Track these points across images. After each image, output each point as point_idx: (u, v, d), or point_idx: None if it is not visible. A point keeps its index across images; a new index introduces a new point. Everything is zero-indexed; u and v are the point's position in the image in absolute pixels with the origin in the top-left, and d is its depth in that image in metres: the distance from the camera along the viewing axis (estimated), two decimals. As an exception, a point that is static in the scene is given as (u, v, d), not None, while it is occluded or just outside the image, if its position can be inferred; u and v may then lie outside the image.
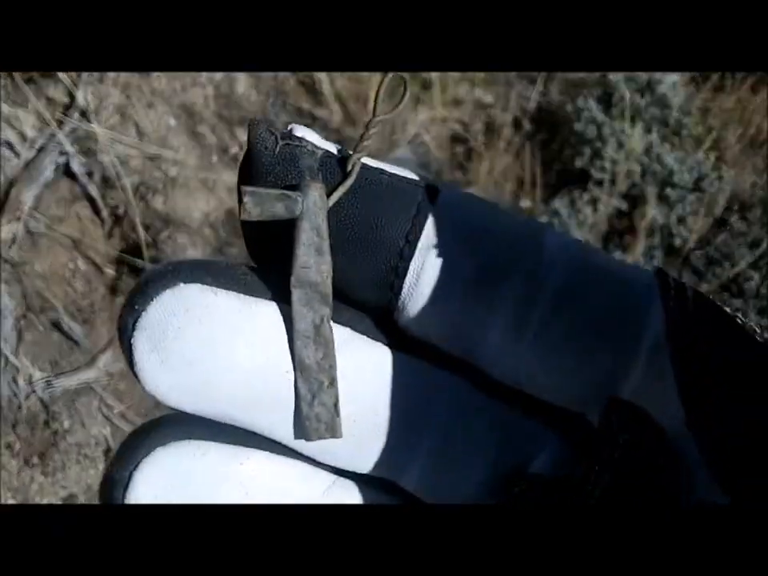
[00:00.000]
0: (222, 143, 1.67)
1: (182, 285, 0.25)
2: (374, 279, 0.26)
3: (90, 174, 1.57)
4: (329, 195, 0.26)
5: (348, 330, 0.27)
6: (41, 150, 1.56)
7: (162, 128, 1.63)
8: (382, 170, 0.26)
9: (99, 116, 1.58)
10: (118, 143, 1.57)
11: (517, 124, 1.61)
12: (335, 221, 0.26)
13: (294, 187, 0.25)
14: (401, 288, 0.26)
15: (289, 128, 0.26)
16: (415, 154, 1.62)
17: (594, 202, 1.41)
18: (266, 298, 0.26)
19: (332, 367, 0.26)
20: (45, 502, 1.32)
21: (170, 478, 0.26)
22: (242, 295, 0.25)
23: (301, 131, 0.26)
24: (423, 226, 0.26)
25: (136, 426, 0.27)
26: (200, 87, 1.68)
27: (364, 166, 0.26)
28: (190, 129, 1.65)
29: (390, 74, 0.27)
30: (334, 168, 0.26)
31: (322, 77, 1.63)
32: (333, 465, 0.27)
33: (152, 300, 0.25)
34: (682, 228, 1.48)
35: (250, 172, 0.26)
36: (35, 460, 1.35)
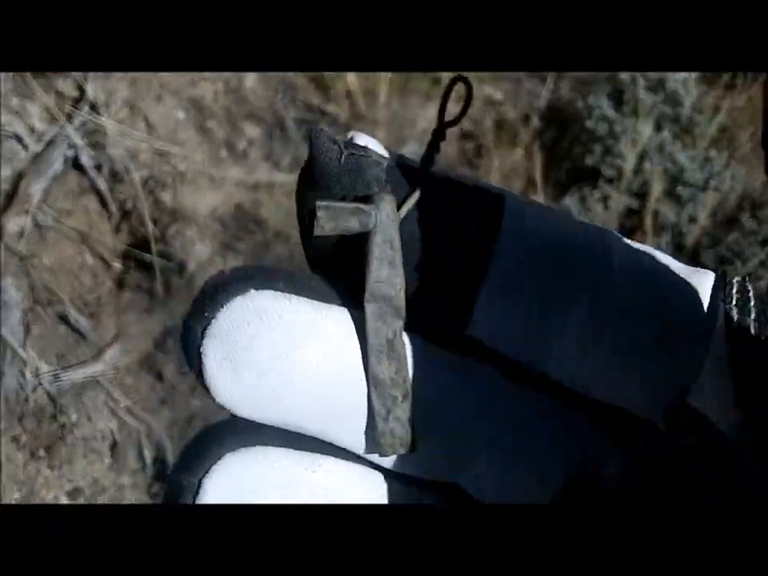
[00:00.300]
0: (231, 138, 1.66)
1: (253, 291, 0.24)
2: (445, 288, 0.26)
3: (98, 168, 1.57)
4: (399, 207, 0.25)
5: (419, 337, 0.26)
6: (50, 143, 1.56)
7: (171, 122, 1.63)
8: (448, 178, 0.26)
9: (108, 109, 1.58)
10: (127, 137, 1.57)
11: (527, 121, 1.61)
12: (405, 232, 0.25)
13: (364, 199, 0.25)
14: (474, 297, 0.25)
15: (350, 137, 0.26)
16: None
17: (604, 199, 1.40)
18: (336, 303, 0.25)
19: (405, 381, 0.25)
20: (51, 495, 1.32)
21: (240, 485, 0.25)
22: (314, 301, 0.25)
23: (363, 139, 0.26)
24: (495, 236, 0.25)
25: (195, 430, 0.26)
26: (209, 82, 1.67)
27: (431, 176, 0.26)
28: (199, 123, 1.65)
29: (454, 79, 0.26)
30: (401, 178, 0.25)
31: (332, 73, 1.62)
32: (405, 473, 0.27)
33: (222, 307, 0.24)
34: (693, 226, 1.47)
35: (314, 183, 0.25)
36: (41, 453, 1.34)
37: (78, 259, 1.56)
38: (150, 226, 1.52)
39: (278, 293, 0.24)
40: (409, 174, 0.26)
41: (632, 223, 1.47)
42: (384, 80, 1.52)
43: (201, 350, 0.24)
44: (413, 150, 1.60)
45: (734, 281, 0.25)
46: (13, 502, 1.29)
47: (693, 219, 1.46)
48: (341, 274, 0.26)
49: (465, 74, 0.26)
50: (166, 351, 1.47)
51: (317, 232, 0.24)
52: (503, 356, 0.26)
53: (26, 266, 1.49)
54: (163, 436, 1.39)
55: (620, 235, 0.27)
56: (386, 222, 0.25)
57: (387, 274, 0.25)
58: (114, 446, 1.38)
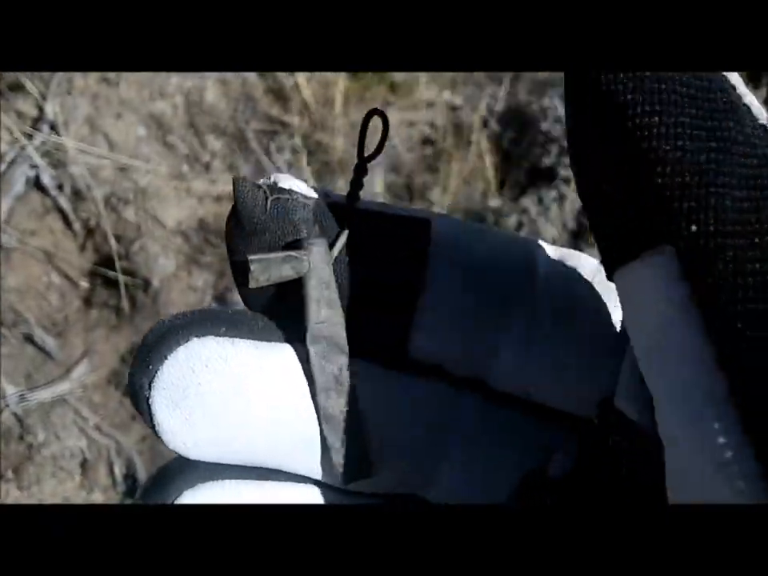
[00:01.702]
0: (193, 152, 1.67)
1: (195, 339, 0.24)
2: (383, 320, 0.27)
3: (60, 187, 1.57)
4: (330, 248, 0.26)
5: (361, 361, 0.27)
6: (11, 163, 1.56)
7: (132, 138, 1.63)
8: (376, 212, 0.27)
9: (68, 128, 1.58)
10: (87, 155, 1.57)
11: (485, 124, 1.62)
12: (339, 271, 0.26)
13: (296, 244, 0.25)
14: (411, 322, 0.26)
15: (273, 180, 0.26)
16: (385, 156, 1.62)
17: (561, 199, 1.42)
18: (280, 341, 0.26)
19: (356, 412, 0.26)
20: (21, 516, 1.32)
21: None
22: (257, 342, 0.25)
23: (287, 182, 0.26)
24: (424, 262, 0.26)
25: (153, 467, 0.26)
26: (168, 97, 1.68)
27: (358, 212, 0.26)
28: (160, 138, 1.65)
29: (369, 113, 0.27)
30: (328, 216, 0.26)
31: (290, 83, 1.63)
32: (365, 492, 0.27)
33: (166, 358, 0.24)
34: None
35: (243, 232, 0.25)
36: (10, 474, 1.34)
37: (44, 279, 1.56)
38: (114, 243, 1.52)
39: (220, 338, 0.25)
40: (337, 211, 0.26)
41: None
42: (339, 89, 1.53)
43: (149, 402, 0.24)
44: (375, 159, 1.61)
45: None
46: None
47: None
48: (280, 314, 0.26)
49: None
50: (134, 367, 1.46)
51: (252, 285, 0.25)
52: (447, 371, 0.27)
53: (-10, 287, 1.48)
54: (133, 452, 1.39)
55: (544, 244, 0.28)
56: (319, 266, 0.25)
57: (326, 314, 0.26)
58: (83, 464, 1.38)
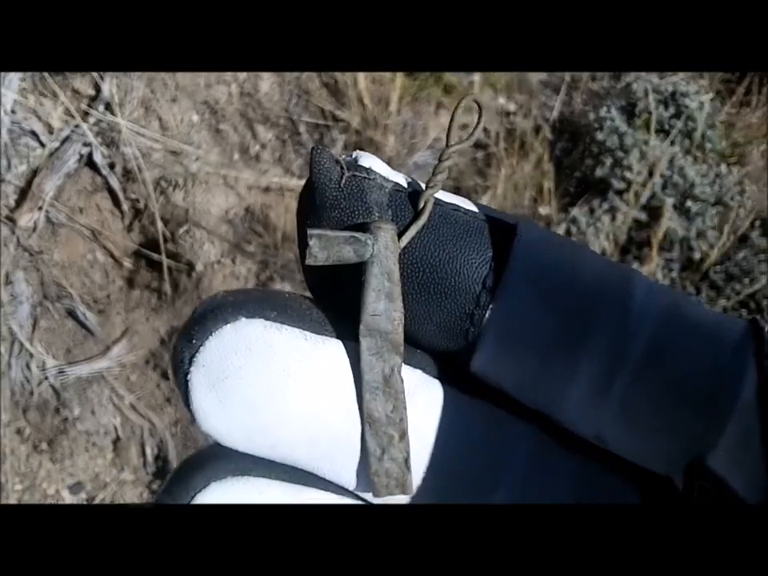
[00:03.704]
0: (244, 141, 1.68)
1: (243, 319, 0.23)
2: (447, 326, 0.24)
3: (111, 166, 1.59)
4: (400, 236, 0.24)
5: (419, 372, 0.25)
6: (65, 140, 1.58)
7: (185, 124, 1.64)
8: (456, 206, 0.25)
9: (123, 109, 1.60)
10: (140, 136, 1.59)
11: (538, 132, 1.61)
12: (406, 263, 0.24)
13: (362, 227, 0.24)
14: (477, 336, 0.24)
15: (354, 156, 0.24)
16: (435, 159, 1.62)
17: (613, 211, 1.40)
18: (331, 336, 0.24)
19: (402, 420, 0.24)
20: (52, 488, 1.33)
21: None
22: (307, 333, 0.24)
23: (368, 160, 0.24)
24: (501, 270, 0.24)
25: (188, 453, 0.26)
26: (224, 85, 1.69)
27: (437, 203, 0.24)
28: (213, 126, 1.66)
29: (465, 98, 0.25)
30: (405, 203, 0.24)
31: (346, 78, 1.63)
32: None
33: (211, 334, 0.23)
34: (702, 242, 1.46)
35: (313, 205, 0.24)
36: (44, 446, 1.35)
37: (89, 256, 1.57)
38: (161, 226, 1.53)
39: (269, 322, 0.23)
40: (414, 199, 0.24)
41: (640, 237, 1.46)
42: (395, 87, 1.53)
43: (188, 377, 0.23)
44: (423, 159, 1.61)
45: (765, 332, 0.23)
46: (14, 494, 1.30)
47: (702, 234, 1.45)
48: (340, 304, 0.24)
49: (484, 73, 0.25)
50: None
51: (309, 261, 0.23)
52: (509, 396, 0.25)
53: (37, 261, 1.50)
54: (166, 434, 1.40)
55: (643, 275, 0.25)
56: (383, 253, 0.23)
57: (384, 307, 0.24)
58: (116, 442, 1.39)
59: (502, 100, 1.64)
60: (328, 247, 0.23)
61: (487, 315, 0.24)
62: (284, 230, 1.57)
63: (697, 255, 1.46)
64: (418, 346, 0.25)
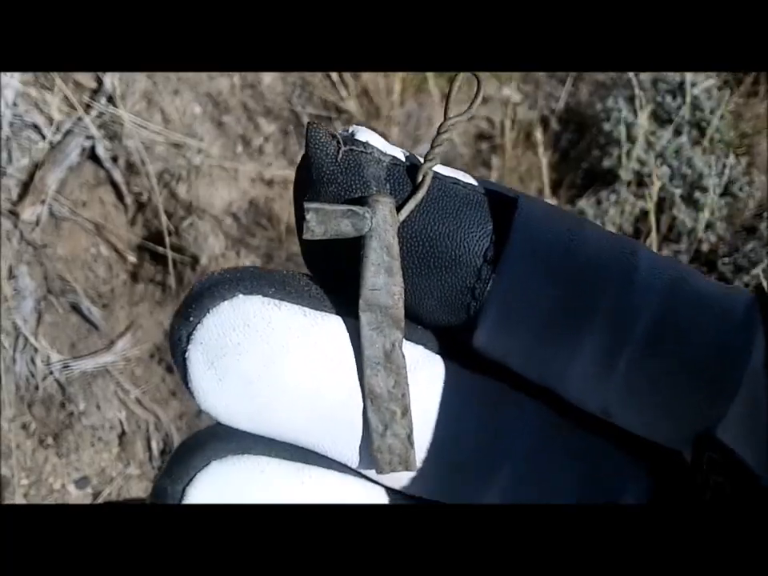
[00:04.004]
0: (247, 133, 1.67)
1: (241, 296, 0.23)
2: (448, 300, 0.24)
3: (114, 159, 1.58)
4: (399, 209, 0.23)
5: (421, 348, 0.24)
6: (67, 133, 1.57)
7: (187, 116, 1.63)
8: (455, 179, 0.24)
9: (125, 101, 1.59)
10: (143, 129, 1.58)
11: (544, 123, 1.60)
12: (406, 237, 0.23)
13: (360, 201, 0.23)
14: (478, 310, 0.23)
15: (351, 131, 0.24)
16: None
17: (620, 202, 1.39)
18: (330, 312, 0.23)
19: (405, 396, 0.24)
20: (58, 483, 1.33)
21: (225, 494, 0.24)
22: (306, 309, 0.23)
23: (364, 134, 0.24)
24: (503, 243, 0.23)
25: (186, 434, 0.25)
26: (226, 76, 1.68)
27: (436, 176, 0.24)
28: (215, 118, 1.65)
29: (462, 74, 0.24)
30: (403, 177, 0.24)
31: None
32: (405, 492, 0.25)
33: (208, 311, 0.23)
34: (709, 233, 1.45)
35: (309, 180, 0.23)
36: (50, 441, 1.35)
37: (93, 250, 1.56)
38: (164, 219, 1.52)
39: (267, 298, 0.23)
40: (412, 173, 0.24)
41: (647, 227, 1.45)
42: (399, 78, 1.52)
43: (186, 355, 0.23)
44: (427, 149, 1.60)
45: None
46: (21, 489, 1.30)
47: (710, 225, 1.44)
48: (339, 279, 0.24)
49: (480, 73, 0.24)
50: (176, 344, 1.46)
51: (306, 236, 0.23)
52: (512, 371, 0.24)
53: (40, 255, 1.49)
54: (171, 427, 1.39)
55: (647, 248, 0.25)
56: (382, 227, 0.23)
57: (384, 282, 0.23)
58: (121, 436, 1.38)
59: (507, 91, 1.63)
60: (325, 221, 0.23)
61: (488, 289, 0.23)
62: (288, 223, 1.57)
63: (704, 246, 1.45)
64: (419, 321, 0.25)
